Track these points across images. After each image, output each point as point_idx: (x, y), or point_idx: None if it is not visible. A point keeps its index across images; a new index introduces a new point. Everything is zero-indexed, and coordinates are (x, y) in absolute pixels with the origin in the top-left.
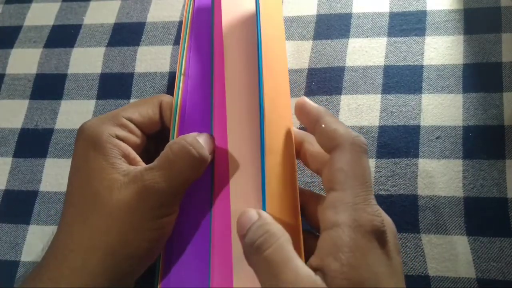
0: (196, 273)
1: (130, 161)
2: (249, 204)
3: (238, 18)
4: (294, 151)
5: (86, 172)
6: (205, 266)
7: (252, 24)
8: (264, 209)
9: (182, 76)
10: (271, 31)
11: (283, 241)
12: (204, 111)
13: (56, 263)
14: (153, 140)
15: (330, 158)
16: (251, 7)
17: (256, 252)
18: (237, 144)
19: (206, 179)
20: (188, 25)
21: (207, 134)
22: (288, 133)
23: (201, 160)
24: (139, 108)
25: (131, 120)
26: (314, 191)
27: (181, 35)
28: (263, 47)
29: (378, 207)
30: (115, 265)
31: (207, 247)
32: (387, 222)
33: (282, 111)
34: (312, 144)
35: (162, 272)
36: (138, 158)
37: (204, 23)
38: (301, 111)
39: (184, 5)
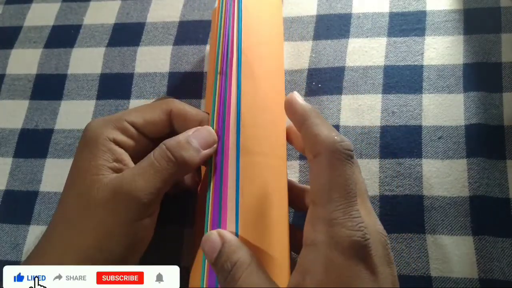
0: None
1: (122, 167)
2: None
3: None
4: (285, 153)
5: (76, 172)
6: None
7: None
8: (237, 221)
9: (218, 75)
10: (258, 33)
11: (252, 267)
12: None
13: (38, 257)
14: (160, 142)
15: (311, 168)
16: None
17: (231, 282)
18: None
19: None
20: (222, 23)
21: (206, 129)
22: (279, 136)
23: (179, 163)
24: (145, 113)
25: (133, 125)
26: None
27: (214, 34)
28: (243, 48)
29: (362, 219)
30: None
31: None
32: (374, 232)
33: (271, 113)
34: None
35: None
36: (131, 165)
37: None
38: (288, 109)
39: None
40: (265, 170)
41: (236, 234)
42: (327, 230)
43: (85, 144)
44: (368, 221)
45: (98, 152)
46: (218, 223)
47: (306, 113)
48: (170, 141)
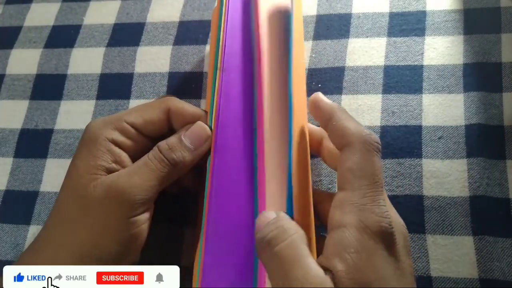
0: (240, 272)
1: (119, 169)
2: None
3: (272, 12)
4: (309, 151)
5: (74, 171)
6: (251, 264)
7: (281, 19)
8: (291, 208)
9: (218, 71)
10: (297, 31)
11: (296, 238)
12: (244, 104)
13: (32, 255)
14: (159, 141)
15: (340, 156)
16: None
17: (267, 246)
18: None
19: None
20: (223, 19)
21: (198, 124)
22: (303, 133)
23: (171, 165)
24: (144, 113)
25: (133, 125)
26: (323, 190)
27: (214, 33)
28: (293, 46)
29: (387, 208)
30: (84, 264)
31: (251, 245)
32: (397, 223)
33: (299, 109)
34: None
35: (202, 272)
36: (130, 165)
37: (236, 17)
38: (314, 108)
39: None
40: (303, 164)
41: None
42: (356, 214)
43: (85, 144)
44: (391, 212)
45: (97, 153)
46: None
47: (332, 110)
48: (162, 143)
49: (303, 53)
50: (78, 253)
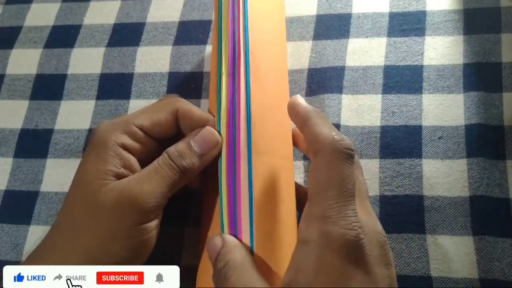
0: None
1: (129, 174)
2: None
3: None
4: (292, 153)
5: (84, 175)
6: None
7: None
8: (251, 223)
9: (222, 76)
10: (263, 31)
11: (244, 267)
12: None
13: (41, 258)
14: (167, 143)
15: (311, 164)
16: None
17: (223, 280)
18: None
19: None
20: (224, 22)
21: (208, 130)
22: (286, 136)
23: (181, 171)
24: (152, 114)
25: (141, 128)
26: None
27: (215, 34)
28: (250, 49)
29: (357, 218)
30: None
31: None
32: (371, 232)
33: (278, 113)
34: None
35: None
36: (139, 170)
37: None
38: (291, 111)
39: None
40: (274, 170)
41: (251, 233)
42: (320, 228)
43: (94, 148)
44: (367, 221)
45: (107, 158)
46: (234, 224)
47: (308, 114)
48: (172, 149)
49: (286, 53)
50: (86, 258)
